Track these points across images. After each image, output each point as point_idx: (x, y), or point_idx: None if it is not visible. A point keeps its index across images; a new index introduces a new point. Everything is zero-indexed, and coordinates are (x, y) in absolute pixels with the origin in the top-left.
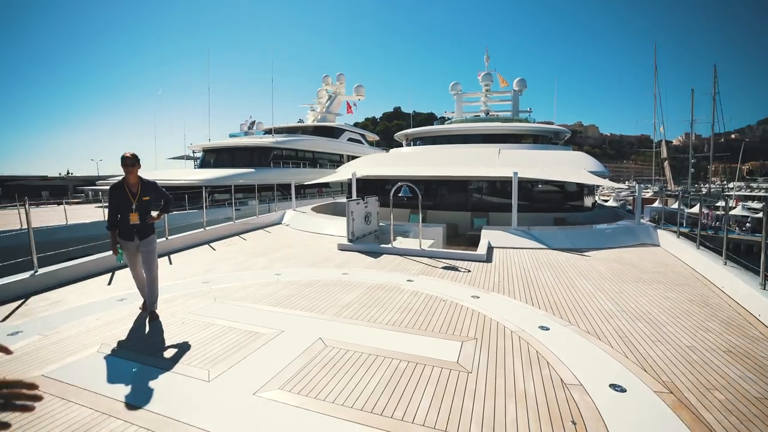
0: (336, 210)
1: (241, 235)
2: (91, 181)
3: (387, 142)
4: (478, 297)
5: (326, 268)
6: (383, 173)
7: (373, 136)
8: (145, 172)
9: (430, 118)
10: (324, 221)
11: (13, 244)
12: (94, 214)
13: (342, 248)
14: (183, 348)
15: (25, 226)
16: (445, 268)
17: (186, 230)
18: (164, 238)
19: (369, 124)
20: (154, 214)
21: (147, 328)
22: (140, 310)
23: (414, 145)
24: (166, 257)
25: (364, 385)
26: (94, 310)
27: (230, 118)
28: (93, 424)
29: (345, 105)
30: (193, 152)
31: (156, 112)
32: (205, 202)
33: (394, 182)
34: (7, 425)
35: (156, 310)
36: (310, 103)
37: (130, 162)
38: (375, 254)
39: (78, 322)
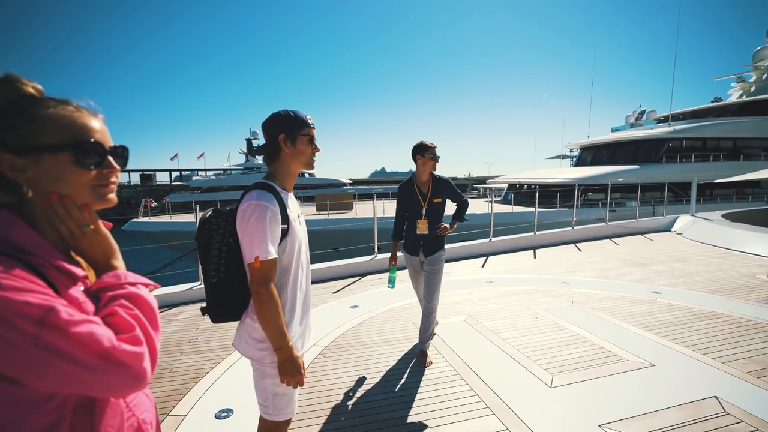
0: None
1: (613, 239)
2: (482, 180)
3: None
4: None
5: (739, 301)
6: None
7: None
8: (522, 172)
9: None
10: (744, 234)
11: None
12: (482, 207)
13: None
14: (531, 343)
15: None
16: None
17: (554, 227)
18: (531, 233)
19: None
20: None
21: (504, 312)
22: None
23: None
24: (531, 251)
25: None
26: (468, 286)
27: (617, 111)
28: (447, 380)
29: None
30: (570, 151)
31: (538, 114)
32: (577, 200)
33: None
34: None
35: (428, 350)
36: (738, 72)
37: (432, 154)
38: None
39: (456, 292)
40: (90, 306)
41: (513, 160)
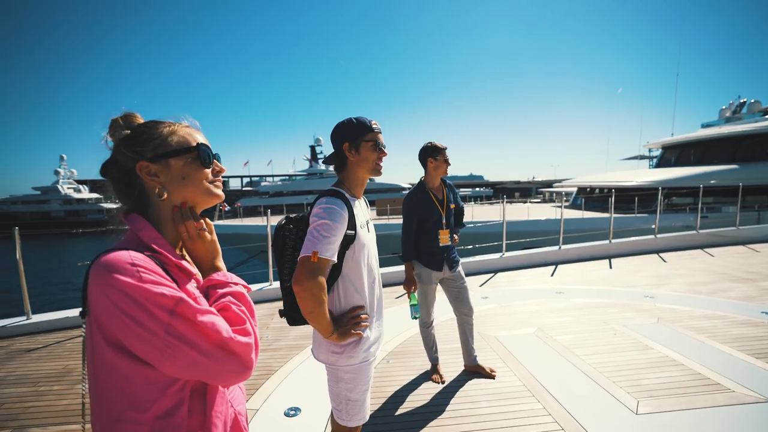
0: None
1: (706, 250)
2: (548, 184)
3: None
4: None
5: None
6: None
7: None
8: (594, 175)
9: None
10: None
11: (491, 231)
12: (548, 212)
13: None
14: (610, 362)
15: (501, 219)
16: None
17: (631, 235)
18: (606, 241)
19: None
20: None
21: (578, 326)
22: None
23: None
24: (606, 260)
25: None
26: (537, 296)
27: (707, 105)
28: (516, 396)
29: None
30: (650, 151)
31: (611, 112)
32: (660, 205)
33: None
34: None
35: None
36: None
37: (445, 157)
38: None
39: (524, 302)
40: (203, 300)
41: (581, 163)
